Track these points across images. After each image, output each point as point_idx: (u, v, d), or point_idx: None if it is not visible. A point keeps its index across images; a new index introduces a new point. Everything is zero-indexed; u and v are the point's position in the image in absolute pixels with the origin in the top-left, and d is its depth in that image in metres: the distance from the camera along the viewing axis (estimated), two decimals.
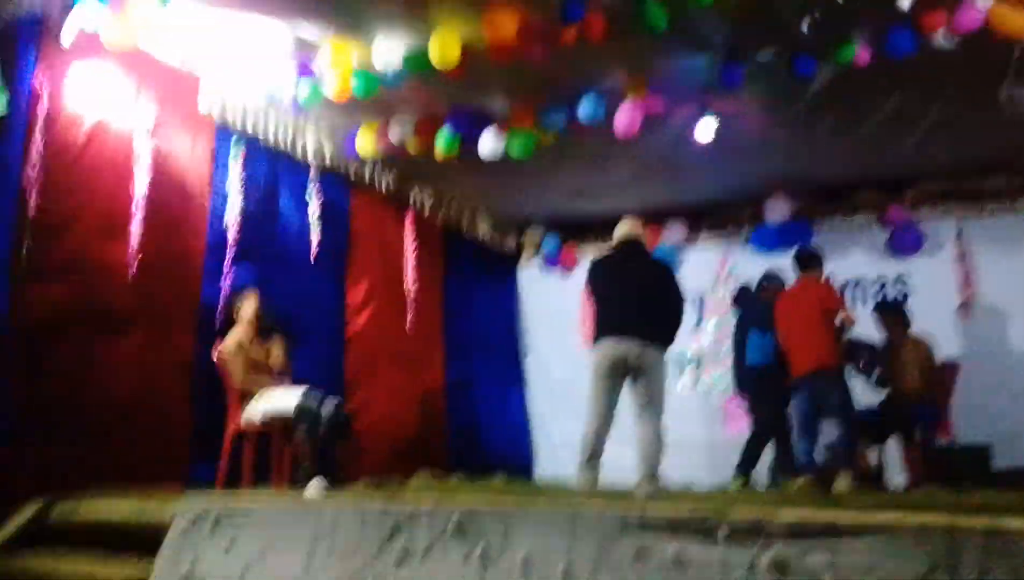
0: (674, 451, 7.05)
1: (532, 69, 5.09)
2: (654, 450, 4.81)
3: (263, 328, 5.10)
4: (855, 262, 7.46)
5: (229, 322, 5.15)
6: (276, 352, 5.10)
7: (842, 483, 5.04)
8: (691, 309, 8.06)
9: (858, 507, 2.46)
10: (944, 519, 2.12)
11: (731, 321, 7.56)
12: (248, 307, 5.09)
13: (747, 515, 2.36)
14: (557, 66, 5.07)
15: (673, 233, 8.15)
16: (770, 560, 2.27)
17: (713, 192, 7.63)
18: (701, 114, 5.71)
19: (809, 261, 6.05)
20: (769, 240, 7.62)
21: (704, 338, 7.70)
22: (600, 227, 8.52)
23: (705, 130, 5.77)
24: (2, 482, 3.98)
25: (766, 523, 2.31)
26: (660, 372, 4.96)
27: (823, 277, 6.09)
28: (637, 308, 4.98)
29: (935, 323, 6.51)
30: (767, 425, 6.06)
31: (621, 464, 4.89)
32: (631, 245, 5.37)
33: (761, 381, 6.14)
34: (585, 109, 5.48)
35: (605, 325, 5.07)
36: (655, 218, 8.15)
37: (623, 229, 5.41)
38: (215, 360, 4.96)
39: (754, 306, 6.51)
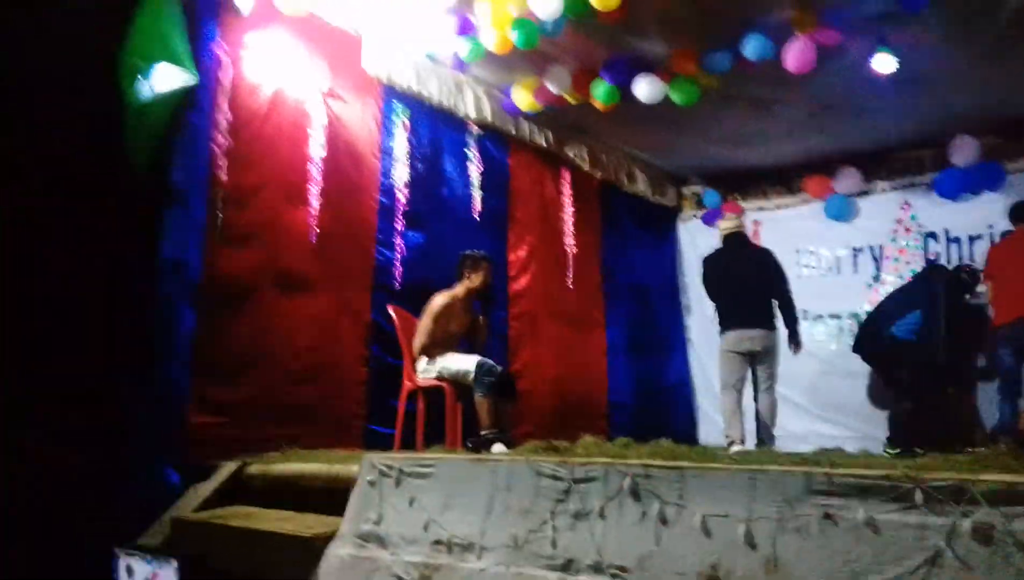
0: (845, 417, 6.91)
1: (693, 8, 4.91)
2: (772, 416, 5.57)
3: (481, 299, 5.12)
4: None
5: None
6: (482, 329, 5.11)
7: None
8: (868, 262, 7.64)
9: None
10: None
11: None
12: (478, 277, 5.05)
13: (947, 478, 2.22)
14: (719, 2, 4.87)
15: (846, 181, 7.70)
16: (972, 526, 2.13)
17: (891, 134, 7.12)
18: (879, 47, 5.30)
19: None
20: (956, 185, 7.10)
21: (882, 294, 7.16)
22: (764, 178, 8.21)
23: (884, 64, 5.36)
24: (200, 434, 4.34)
25: (968, 487, 2.16)
26: (776, 353, 5.67)
27: None
28: (748, 301, 5.63)
29: None
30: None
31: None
32: (734, 239, 5.88)
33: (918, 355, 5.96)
34: (752, 47, 5.21)
35: (725, 318, 5.75)
36: (824, 167, 7.75)
37: (725, 225, 5.97)
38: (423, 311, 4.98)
39: (933, 289, 6.14)
